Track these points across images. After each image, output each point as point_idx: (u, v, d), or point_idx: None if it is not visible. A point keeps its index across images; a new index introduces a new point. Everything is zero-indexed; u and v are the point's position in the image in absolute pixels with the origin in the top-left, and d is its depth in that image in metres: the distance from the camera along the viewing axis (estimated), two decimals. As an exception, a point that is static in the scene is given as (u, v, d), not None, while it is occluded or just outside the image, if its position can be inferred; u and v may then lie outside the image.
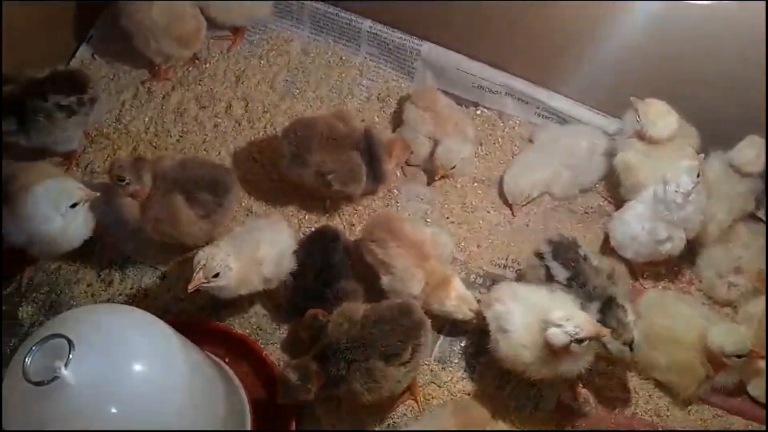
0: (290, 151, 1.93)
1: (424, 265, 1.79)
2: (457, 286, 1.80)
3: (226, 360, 1.81)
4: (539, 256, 1.82)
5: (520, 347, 1.66)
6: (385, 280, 1.81)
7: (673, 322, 1.82)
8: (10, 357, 1.80)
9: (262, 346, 1.86)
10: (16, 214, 1.73)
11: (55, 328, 1.28)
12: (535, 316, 1.65)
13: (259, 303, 1.94)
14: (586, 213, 2.09)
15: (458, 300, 1.79)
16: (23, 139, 1.94)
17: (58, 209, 1.74)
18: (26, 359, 1.23)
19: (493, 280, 1.98)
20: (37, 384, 1.20)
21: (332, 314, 1.66)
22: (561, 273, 1.77)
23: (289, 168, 1.96)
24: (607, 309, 1.71)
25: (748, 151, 1.90)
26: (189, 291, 1.65)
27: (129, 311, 1.41)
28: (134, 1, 2.08)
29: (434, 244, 1.83)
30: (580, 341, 1.58)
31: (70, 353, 1.21)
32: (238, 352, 1.82)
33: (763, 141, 1.89)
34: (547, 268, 1.78)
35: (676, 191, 1.81)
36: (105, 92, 2.20)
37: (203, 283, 1.65)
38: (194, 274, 1.65)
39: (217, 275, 1.66)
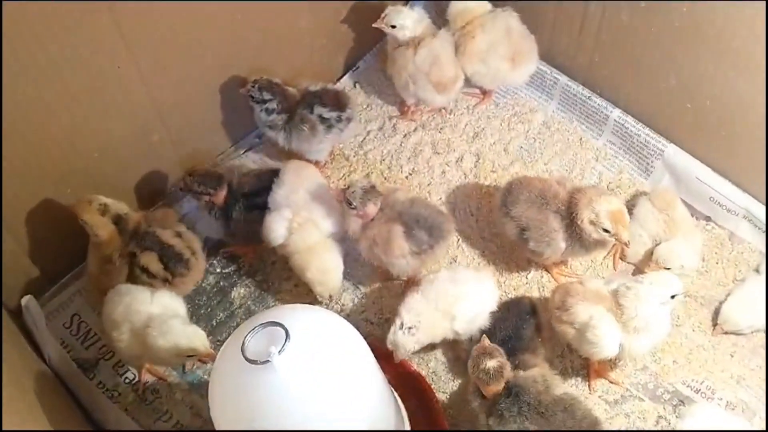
0: (502, 199, 2.00)
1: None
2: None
3: (398, 392, 1.88)
4: None
5: None
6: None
7: None
8: (216, 327, 2.04)
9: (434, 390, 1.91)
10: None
11: (275, 317, 1.41)
12: None
13: (441, 349, 2.00)
14: (807, 361, 1.94)
15: None
16: (282, 139, 2.16)
17: None
18: (247, 337, 1.36)
19: (680, 401, 1.89)
20: (251, 362, 1.32)
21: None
22: None
23: (498, 217, 2.02)
24: None
25: None
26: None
27: (340, 321, 1.51)
28: (398, 49, 2.25)
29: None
30: None
31: (285, 342, 1.33)
32: (410, 387, 1.87)
33: None
34: None
35: None
36: (357, 117, 2.38)
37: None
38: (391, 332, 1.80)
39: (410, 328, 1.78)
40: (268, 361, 1.31)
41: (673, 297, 1.73)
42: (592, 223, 1.84)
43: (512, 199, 1.96)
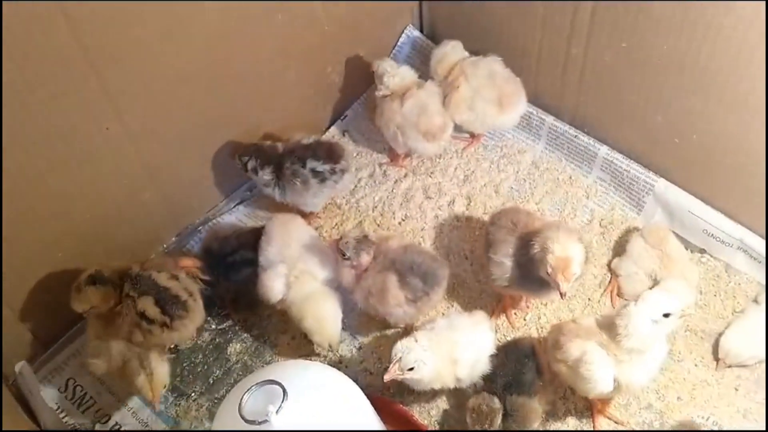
0: (490, 219, 2.01)
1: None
2: None
3: (401, 444, 1.85)
4: None
5: None
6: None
7: None
8: (213, 385, 2.01)
9: (437, 439, 1.89)
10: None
11: (271, 375, 1.39)
12: None
13: (444, 397, 1.97)
14: (809, 390, 1.92)
15: None
16: (278, 195, 2.17)
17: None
18: (244, 396, 1.35)
19: (688, 437, 1.86)
20: (249, 422, 1.31)
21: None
22: None
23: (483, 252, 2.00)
24: None
25: None
26: (385, 381, 1.73)
27: (338, 376, 1.49)
28: (386, 101, 2.28)
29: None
30: None
31: (283, 401, 1.31)
32: (413, 439, 1.85)
33: None
34: None
35: None
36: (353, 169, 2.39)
37: (398, 374, 1.73)
38: (391, 365, 1.73)
39: (411, 369, 1.74)
40: (266, 420, 1.30)
41: (666, 316, 1.67)
42: (540, 259, 1.79)
43: (495, 220, 1.98)
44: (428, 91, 2.27)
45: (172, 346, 2.04)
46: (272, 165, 2.14)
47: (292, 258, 1.96)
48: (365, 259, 1.88)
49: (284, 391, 1.33)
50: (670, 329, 1.70)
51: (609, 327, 1.71)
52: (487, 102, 2.30)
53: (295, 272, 1.94)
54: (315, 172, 2.13)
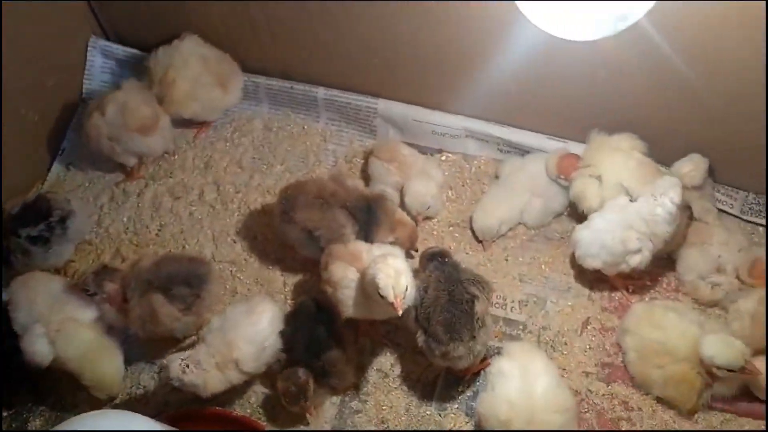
0: (279, 209, 1.99)
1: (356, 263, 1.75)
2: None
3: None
4: None
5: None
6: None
7: (664, 334, 1.83)
8: None
9: (264, 423, 1.89)
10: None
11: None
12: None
13: (258, 381, 1.97)
14: (563, 238, 2.11)
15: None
16: (32, 264, 2.04)
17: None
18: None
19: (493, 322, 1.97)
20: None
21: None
22: None
23: (279, 226, 2.00)
24: None
25: (686, 165, 1.98)
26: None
27: (119, 417, 1.44)
28: (88, 120, 2.18)
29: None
30: None
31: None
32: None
33: (703, 159, 1.98)
34: None
35: (661, 207, 1.82)
36: (82, 200, 2.28)
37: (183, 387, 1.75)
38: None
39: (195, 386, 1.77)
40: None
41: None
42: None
43: (291, 206, 1.96)
44: (125, 89, 2.20)
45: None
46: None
47: (43, 314, 1.86)
48: (111, 287, 1.82)
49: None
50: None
51: None
52: (208, 88, 2.27)
53: (53, 326, 1.83)
54: (33, 239, 2.02)
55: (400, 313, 1.60)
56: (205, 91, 2.28)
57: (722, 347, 1.72)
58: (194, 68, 2.26)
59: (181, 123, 2.35)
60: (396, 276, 1.60)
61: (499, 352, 1.85)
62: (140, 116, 2.18)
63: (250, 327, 1.82)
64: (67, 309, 1.88)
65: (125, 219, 2.26)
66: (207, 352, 1.76)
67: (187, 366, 1.73)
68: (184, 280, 1.85)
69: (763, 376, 1.73)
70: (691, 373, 1.77)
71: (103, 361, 1.87)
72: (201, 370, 1.74)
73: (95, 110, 2.15)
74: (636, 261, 1.87)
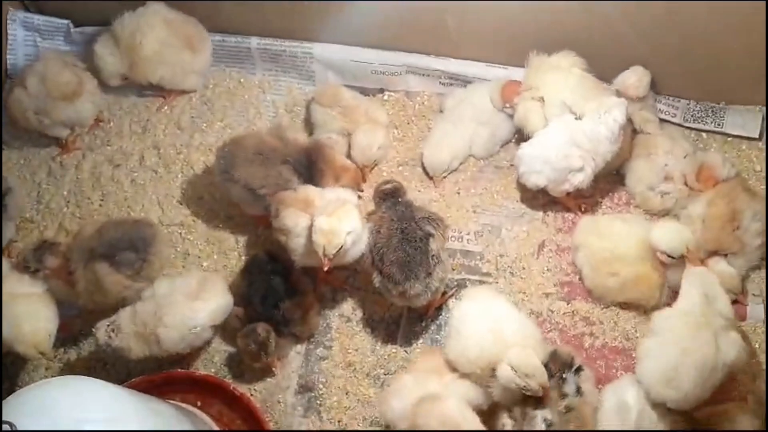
0: (218, 168, 1.93)
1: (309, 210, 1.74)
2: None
3: (199, 404, 1.80)
4: None
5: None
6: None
7: (611, 242, 1.85)
8: None
9: (229, 380, 1.86)
10: None
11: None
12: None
13: (218, 339, 1.94)
14: (512, 165, 2.10)
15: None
16: None
17: None
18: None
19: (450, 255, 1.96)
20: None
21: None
22: None
23: (220, 185, 1.96)
24: None
25: (630, 76, 1.96)
26: None
27: (76, 382, 1.39)
28: (10, 95, 2.11)
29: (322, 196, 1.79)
30: None
31: (12, 432, 1.21)
32: (207, 393, 1.81)
33: (645, 71, 1.97)
34: None
35: (604, 125, 1.82)
36: (19, 178, 2.20)
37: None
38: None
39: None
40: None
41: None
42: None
43: (230, 164, 1.90)
44: (43, 59, 2.14)
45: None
46: None
47: None
48: (53, 261, 1.78)
49: (11, 426, 1.22)
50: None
51: None
52: (179, 49, 2.21)
53: None
54: None
55: (326, 269, 1.64)
56: (175, 54, 2.21)
57: (667, 233, 1.76)
58: (160, 31, 2.18)
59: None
60: (329, 235, 1.61)
61: (458, 284, 1.84)
62: (62, 81, 2.10)
63: (186, 312, 1.78)
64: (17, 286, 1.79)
65: (65, 192, 2.19)
66: (130, 319, 1.73)
67: (113, 331, 1.69)
68: (129, 245, 1.80)
69: (705, 269, 1.72)
70: (647, 270, 1.79)
71: (28, 314, 1.76)
72: (123, 334, 1.71)
73: (17, 86, 2.08)
74: (578, 179, 1.87)
